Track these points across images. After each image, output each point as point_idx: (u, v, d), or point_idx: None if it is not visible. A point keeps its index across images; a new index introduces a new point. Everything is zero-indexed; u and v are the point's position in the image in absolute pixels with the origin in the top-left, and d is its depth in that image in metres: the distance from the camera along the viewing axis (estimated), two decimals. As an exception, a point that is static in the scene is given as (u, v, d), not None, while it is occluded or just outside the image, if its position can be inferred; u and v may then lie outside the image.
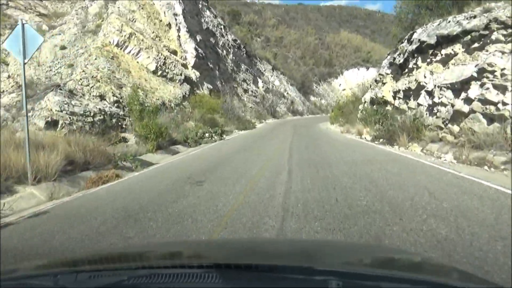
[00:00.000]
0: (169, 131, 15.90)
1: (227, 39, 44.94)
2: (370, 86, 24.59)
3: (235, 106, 34.96)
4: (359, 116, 22.43)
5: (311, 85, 72.10)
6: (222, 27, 44.71)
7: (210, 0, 47.13)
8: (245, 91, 47.52)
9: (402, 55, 15.30)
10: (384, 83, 18.17)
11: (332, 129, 30.52)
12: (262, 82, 56.70)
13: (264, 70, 59.86)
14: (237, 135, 24.13)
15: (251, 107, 45.36)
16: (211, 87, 31.01)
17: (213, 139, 19.10)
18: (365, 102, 24.28)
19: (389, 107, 16.39)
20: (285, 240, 3.59)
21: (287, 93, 62.93)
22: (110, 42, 21.07)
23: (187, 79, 25.60)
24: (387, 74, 18.03)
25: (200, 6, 38.91)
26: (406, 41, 15.31)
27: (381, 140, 14.40)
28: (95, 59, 18.70)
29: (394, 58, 16.31)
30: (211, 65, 34.22)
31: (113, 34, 21.42)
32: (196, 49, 29.15)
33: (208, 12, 41.23)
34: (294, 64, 72.34)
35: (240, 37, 52.96)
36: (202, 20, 38.25)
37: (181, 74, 24.49)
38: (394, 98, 16.58)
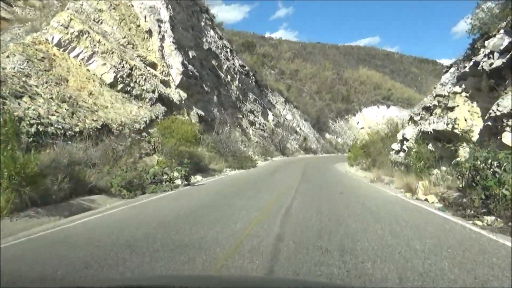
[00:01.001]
0: (83, 174, 9.05)
1: (233, 64, 38.94)
2: (411, 120, 17.53)
3: (233, 139, 28.19)
4: (400, 160, 15.31)
5: (326, 122, 65.31)
6: (228, 50, 38.88)
7: (224, 30, 41.89)
8: (252, 123, 40.91)
9: (495, 56, 8.31)
10: (450, 108, 11.12)
11: (354, 173, 23.23)
12: (273, 115, 50.20)
13: (276, 103, 53.58)
14: (222, 177, 17.08)
15: (256, 142, 38.54)
16: (203, 113, 24.41)
17: (173, 184, 12.09)
18: (403, 140, 17.15)
19: (463, 147, 9.22)
20: (286, 280, 3.23)
21: (300, 128, 56.18)
22: (47, 40, 14.77)
23: (165, 99, 19.01)
24: (456, 93, 11.00)
25: (202, 24, 33.21)
26: (503, 32, 8.38)
27: (473, 212, 6.88)
28: (7, 57, 12.28)
29: (476, 63, 9.28)
30: (207, 88, 27.84)
31: (55, 30, 15.17)
32: (184, 65, 22.81)
33: (212, 32, 35.51)
34: (309, 99, 66.07)
35: (250, 65, 47.10)
36: (204, 40, 32.41)
37: (153, 92, 17.92)
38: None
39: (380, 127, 73.85)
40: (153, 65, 20.26)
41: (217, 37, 36.64)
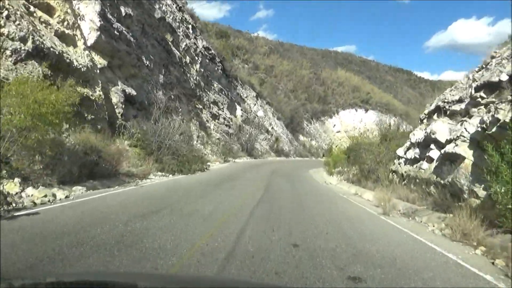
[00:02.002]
0: None
1: (195, 44, 31.74)
2: (439, 113, 10.99)
3: (186, 133, 21.10)
4: (419, 175, 8.78)
5: (301, 122, 59.03)
6: (189, 26, 31.66)
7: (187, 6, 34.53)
8: (214, 116, 33.82)
9: None
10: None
11: (338, 187, 16.78)
12: (242, 110, 43.28)
13: (246, 97, 46.72)
14: (119, 192, 9.85)
15: (218, 139, 31.47)
16: (134, 92, 17.15)
17: None
18: (426, 142, 10.61)
19: None
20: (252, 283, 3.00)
21: (272, 127, 49.57)
22: None
23: (55, 59, 11.68)
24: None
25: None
26: None
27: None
28: None
29: None
30: (148, 63, 20.58)
31: None
32: (107, 20, 15.54)
33: (169, 1, 28.25)
34: (284, 97, 59.59)
35: (219, 51, 39.99)
36: (156, 6, 25.12)
37: (24, 41, 10.59)
38: None
39: (357, 131, 68.54)
40: (48, 8, 12.89)
41: (176, 7, 29.37)
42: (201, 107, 31.28)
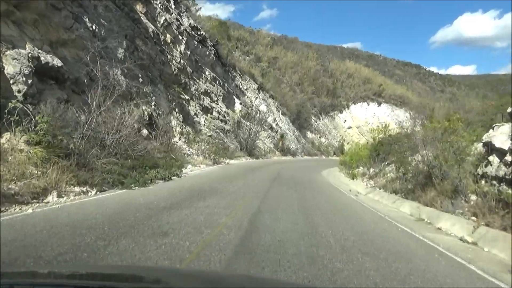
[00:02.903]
0: None
1: (178, 20, 25.62)
2: None
3: (128, 125, 15.04)
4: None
5: (308, 118, 52.73)
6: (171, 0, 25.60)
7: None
8: (206, 109, 27.72)
9: None
10: None
11: (369, 197, 10.70)
12: (241, 103, 37.12)
13: (246, 89, 40.58)
14: None
15: (209, 136, 25.35)
16: (60, 63, 10.99)
17: None
18: None
19: None
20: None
21: (277, 124, 43.36)
22: None
23: None
24: None
25: None
26: None
27: None
28: None
29: None
30: (92, 26, 14.44)
31: None
32: None
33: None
34: (289, 90, 53.33)
35: (212, 33, 33.81)
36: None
37: None
38: None
39: (370, 127, 61.90)
40: None
41: (152, -26, 23.31)
42: (187, 97, 25.17)
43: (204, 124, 26.24)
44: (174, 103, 21.85)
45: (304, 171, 21.20)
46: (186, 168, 16.31)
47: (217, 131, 27.67)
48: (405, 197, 10.09)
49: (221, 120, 29.89)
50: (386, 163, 16.78)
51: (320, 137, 52.90)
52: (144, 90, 16.85)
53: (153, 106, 18.30)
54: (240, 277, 2.50)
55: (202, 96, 27.74)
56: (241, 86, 39.56)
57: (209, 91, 29.24)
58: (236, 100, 36.86)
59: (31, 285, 1.39)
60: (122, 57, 16.06)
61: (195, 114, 25.65)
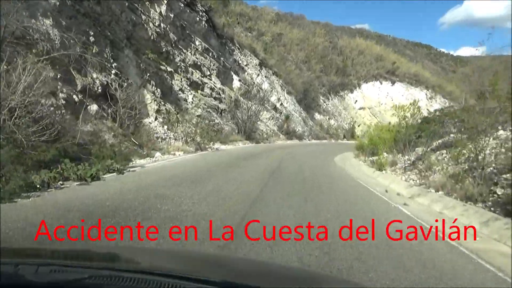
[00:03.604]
0: None
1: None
2: None
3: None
4: None
5: (316, 98, 47.67)
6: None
7: None
8: (196, 85, 23.00)
9: None
10: None
11: (421, 204, 5.78)
12: (240, 80, 32.26)
13: (246, 65, 35.59)
14: None
15: (198, 116, 20.71)
16: None
17: None
18: None
19: None
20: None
21: (281, 104, 38.47)
22: None
23: None
24: None
25: None
26: None
27: None
28: None
29: None
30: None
31: None
32: None
33: None
34: (295, 68, 48.09)
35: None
36: None
37: None
38: None
39: (383, 107, 56.51)
40: None
41: None
42: (170, 69, 20.44)
43: (192, 102, 21.55)
44: (148, 74, 17.12)
45: (313, 159, 16.54)
46: (152, 157, 11.75)
47: (208, 111, 22.99)
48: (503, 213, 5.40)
49: (215, 98, 25.16)
50: (428, 148, 12.04)
51: (329, 119, 47.94)
52: (94, 51, 12.10)
53: (112, 75, 13.62)
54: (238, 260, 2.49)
55: (190, 69, 22.97)
56: (240, 61, 34.59)
57: (199, 63, 24.42)
58: (235, 76, 32.00)
59: (30, 264, 1.27)
60: (57, 3, 11.27)
61: (181, 89, 20.95)
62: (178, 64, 21.48)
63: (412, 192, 8.29)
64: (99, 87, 12.29)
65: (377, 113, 53.49)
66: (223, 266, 1.77)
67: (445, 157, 9.61)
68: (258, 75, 36.60)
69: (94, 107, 11.51)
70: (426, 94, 56.73)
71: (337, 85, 51.88)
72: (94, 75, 12.29)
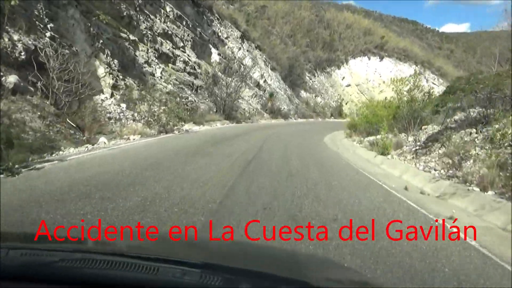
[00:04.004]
0: None
1: None
2: None
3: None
4: None
5: (302, 74, 44.91)
6: None
7: None
8: (166, 57, 19.98)
9: None
10: None
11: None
12: (219, 54, 29.20)
13: (227, 38, 32.40)
14: None
15: (167, 93, 17.84)
16: None
17: None
18: None
19: None
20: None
21: (265, 80, 35.60)
22: None
23: None
24: None
25: None
26: None
27: None
28: None
29: None
30: None
31: None
32: None
33: None
34: (280, 43, 44.99)
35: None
36: None
37: None
38: None
39: (371, 84, 54.11)
40: None
41: None
42: (134, 38, 17.37)
43: (161, 77, 18.59)
44: (102, 42, 14.07)
45: (301, 141, 14.06)
46: (94, 143, 9.02)
47: (181, 87, 20.08)
48: None
49: (189, 73, 22.18)
50: (443, 125, 9.64)
51: (315, 97, 45.36)
52: (14, 3, 9.06)
53: (47, 39, 10.60)
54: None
55: (159, 39, 19.88)
56: (220, 34, 31.38)
57: (171, 33, 21.30)
58: (213, 50, 28.91)
59: (30, 249, 1.23)
60: None
61: (147, 62, 17.94)
62: (144, 32, 18.37)
63: (441, 189, 5.86)
64: (23, 53, 9.32)
65: (365, 90, 51.18)
66: (206, 249, 1.65)
67: (477, 137, 7.17)
68: (240, 48, 33.49)
69: (11, 79, 8.60)
70: (415, 70, 54.48)
71: (324, 61, 49.08)
72: (16, 37, 9.30)
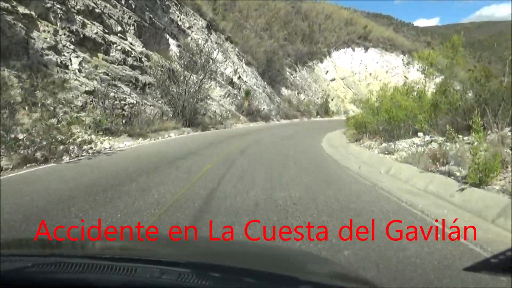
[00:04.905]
0: None
1: None
2: None
3: None
4: None
5: (282, 69, 39.32)
6: None
7: None
8: (93, 44, 13.81)
9: None
10: None
11: None
12: (180, 46, 23.19)
13: (189, 27, 26.45)
14: None
15: (86, 92, 11.66)
16: None
17: None
18: None
19: None
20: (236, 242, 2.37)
21: (239, 77, 29.79)
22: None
23: None
24: None
25: None
26: None
27: None
28: None
29: None
30: None
31: None
32: None
33: None
34: (255, 36, 39.30)
35: None
36: None
37: None
38: None
39: (357, 77, 49.00)
40: None
41: None
42: (27, 11, 11.23)
43: (80, 70, 12.45)
44: None
45: (294, 153, 8.32)
46: None
47: (115, 84, 13.94)
48: None
49: (132, 66, 16.08)
50: None
51: (298, 94, 39.80)
52: None
53: None
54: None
55: (79, 17, 13.76)
56: (180, 23, 25.41)
57: (100, 11, 15.21)
58: (172, 40, 22.92)
59: (31, 256, 1.19)
60: None
61: (53, 47, 11.78)
62: (49, 5, 12.24)
63: None
64: None
65: (351, 84, 46.04)
66: (191, 248, 1.58)
67: None
68: (207, 40, 27.52)
69: None
70: (403, 60, 49.79)
71: (305, 54, 43.63)
72: None
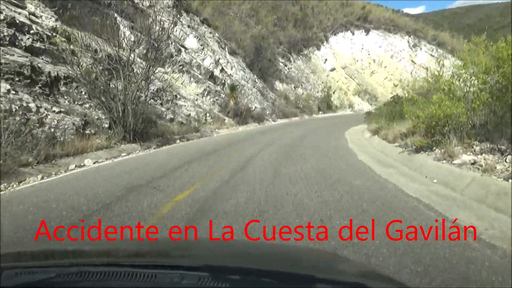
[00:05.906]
0: None
1: None
2: None
3: None
4: None
5: (274, 60, 32.90)
6: None
7: None
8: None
9: None
10: None
11: None
12: (137, 29, 16.63)
13: (150, 6, 19.95)
14: None
15: None
16: None
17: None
18: None
19: None
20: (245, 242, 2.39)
21: (222, 69, 23.31)
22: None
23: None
24: None
25: None
26: None
27: None
28: None
29: None
30: None
31: None
32: None
33: None
34: (240, 23, 32.83)
35: None
36: None
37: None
38: None
39: (360, 65, 42.61)
40: None
41: None
42: None
43: None
44: None
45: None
46: None
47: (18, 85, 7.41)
48: None
49: (30, 50, 9.55)
50: None
51: (295, 88, 33.40)
52: None
53: None
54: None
55: None
56: (137, 0, 18.93)
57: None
58: (124, 21, 16.42)
59: (31, 267, 1.18)
60: None
61: None
62: None
63: None
64: None
65: (354, 73, 39.75)
66: (205, 250, 1.58)
67: None
68: (176, 23, 21.02)
69: None
70: (408, 42, 43.63)
71: (299, 40, 37.20)
72: None
